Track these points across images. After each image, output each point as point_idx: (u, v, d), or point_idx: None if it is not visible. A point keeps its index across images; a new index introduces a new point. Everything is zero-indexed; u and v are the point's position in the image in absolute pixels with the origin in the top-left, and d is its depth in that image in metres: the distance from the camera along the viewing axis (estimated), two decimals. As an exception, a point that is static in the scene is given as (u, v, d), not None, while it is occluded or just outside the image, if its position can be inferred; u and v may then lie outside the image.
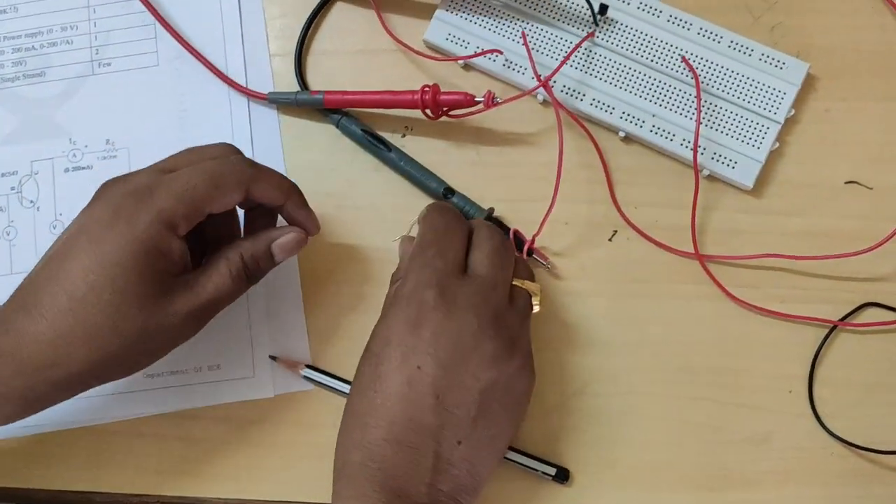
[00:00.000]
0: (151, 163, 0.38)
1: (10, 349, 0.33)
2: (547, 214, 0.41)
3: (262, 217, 0.40)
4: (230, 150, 0.39)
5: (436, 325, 0.35)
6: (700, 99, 0.43)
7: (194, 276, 0.36)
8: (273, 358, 0.42)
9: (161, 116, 0.46)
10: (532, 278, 0.40)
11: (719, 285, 0.42)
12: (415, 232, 0.40)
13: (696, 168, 0.43)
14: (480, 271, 0.37)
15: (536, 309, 0.39)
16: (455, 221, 0.39)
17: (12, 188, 0.45)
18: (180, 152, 0.38)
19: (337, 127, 0.45)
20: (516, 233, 0.42)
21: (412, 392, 0.34)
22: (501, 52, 0.44)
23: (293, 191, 0.39)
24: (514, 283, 0.38)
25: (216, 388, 0.42)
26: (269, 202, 0.38)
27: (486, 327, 0.35)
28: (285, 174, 0.43)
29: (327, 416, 0.40)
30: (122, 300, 0.33)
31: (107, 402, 0.42)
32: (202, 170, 0.36)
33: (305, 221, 0.39)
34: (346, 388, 0.41)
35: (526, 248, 0.42)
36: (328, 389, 0.42)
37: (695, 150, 0.42)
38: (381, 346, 0.36)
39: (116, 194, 0.35)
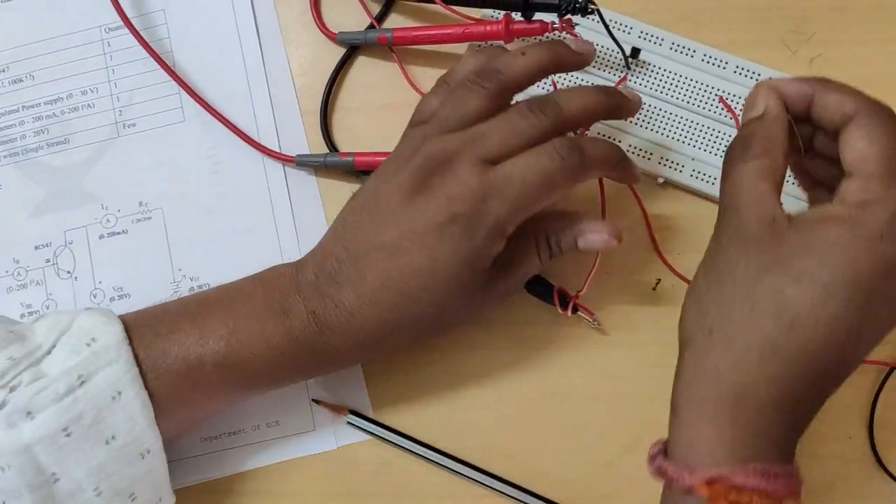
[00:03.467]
0: (192, 219, 0.38)
1: (343, 326, 0.36)
2: (592, 270, 0.40)
3: None
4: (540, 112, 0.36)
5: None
6: (741, 141, 0.42)
7: (508, 259, 0.37)
8: (315, 402, 0.42)
9: (193, 172, 0.45)
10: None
11: (770, 330, 0.41)
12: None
13: (740, 213, 0.41)
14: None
15: None
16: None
17: (47, 260, 0.45)
18: (471, 85, 0.37)
19: (369, 187, 0.44)
20: (560, 290, 0.41)
21: None
22: (533, 102, 0.43)
23: (621, 163, 0.38)
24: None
25: (277, 445, 0.42)
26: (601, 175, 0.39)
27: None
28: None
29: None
30: (451, 297, 0.36)
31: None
32: (534, 171, 0.35)
33: (627, 178, 0.39)
34: (394, 438, 0.41)
35: (570, 305, 0.41)
36: (377, 438, 0.41)
37: (738, 195, 0.41)
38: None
39: (446, 197, 0.35)
